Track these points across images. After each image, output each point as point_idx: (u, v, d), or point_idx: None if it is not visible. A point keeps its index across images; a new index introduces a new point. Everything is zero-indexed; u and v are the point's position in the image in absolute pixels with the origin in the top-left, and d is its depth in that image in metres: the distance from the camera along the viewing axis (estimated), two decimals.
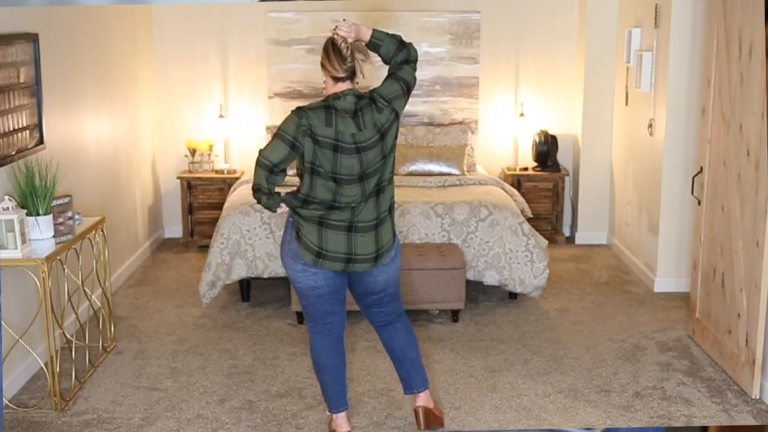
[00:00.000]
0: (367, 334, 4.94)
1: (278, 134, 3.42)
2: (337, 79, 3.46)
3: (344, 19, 3.49)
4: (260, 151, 3.43)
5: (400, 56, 3.54)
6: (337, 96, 3.45)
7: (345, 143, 3.42)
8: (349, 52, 3.41)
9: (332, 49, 3.44)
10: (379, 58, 3.61)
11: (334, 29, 3.44)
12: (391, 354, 3.87)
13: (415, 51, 3.60)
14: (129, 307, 5.57)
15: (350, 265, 3.54)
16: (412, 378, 3.85)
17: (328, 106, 3.44)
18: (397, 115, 3.52)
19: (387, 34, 3.53)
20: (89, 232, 4.52)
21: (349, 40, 3.43)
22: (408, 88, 3.55)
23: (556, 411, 4.07)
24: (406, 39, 3.65)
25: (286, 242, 3.58)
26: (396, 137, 3.55)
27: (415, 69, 3.59)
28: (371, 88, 3.55)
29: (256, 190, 3.45)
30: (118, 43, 6.08)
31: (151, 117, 6.98)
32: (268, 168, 3.41)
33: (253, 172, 3.52)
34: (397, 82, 3.52)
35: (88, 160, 5.45)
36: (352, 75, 3.46)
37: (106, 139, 5.81)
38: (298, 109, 3.45)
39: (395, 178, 6.20)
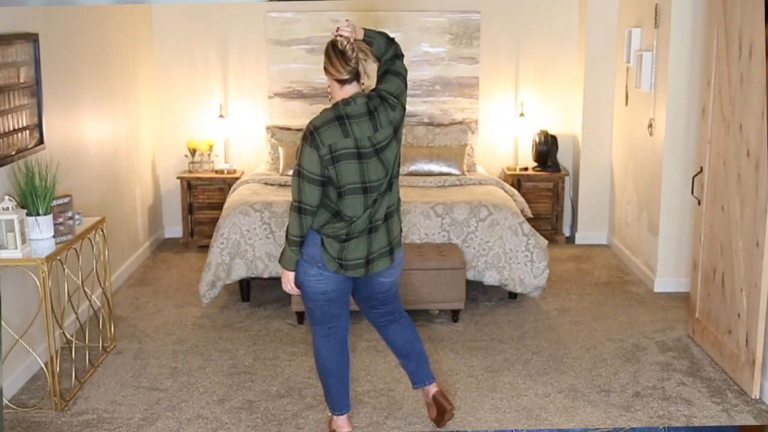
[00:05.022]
0: (367, 334, 4.94)
1: (305, 176, 3.34)
2: (342, 83, 3.40)
3: (347, 20, 3.48)
4: (297, 198, 3.37)
5: (390, 52, 3.56)
6: (347, 102, 3.39)
7: (364, 148, 3.36)
8: (354, 53, 3.36)
9: (333, 52, 3.38)
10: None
11: (337, 31, 3.39)
12: (398, 351, 3.86)
13: (399, 46, 3.63)
14: (129, 307, 5.57)
15: (371, 267, 3.52)
16: (422, 370, 3.86)
17: (340, 115, 3.35)
18: (404, 109, 3.54)
19: (375, 31, 3.56)
20: (89, 232, 4.52)
21: (352, 40, 3.39)
22: (406, 82, 3.58)
23: (556, 411, 4.07)
24: (407, 39, 3.68)
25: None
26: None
27: (403, 63, 3.63)
28: (372, 88, 3.52)
29: (294, 240, 3.41)
30: (118, 43, 6.08)
31: (151, 117, 6.97)
32: (312, 213, 3.38)
33: (288, 218, 3.43)
34: (397, 77, 3.52)
35: (88, 160, 5.44)
36: (356, 76, 3.41)
37: (106, 139, 5.81)
38: (311, 135, 3.34)
39: None
